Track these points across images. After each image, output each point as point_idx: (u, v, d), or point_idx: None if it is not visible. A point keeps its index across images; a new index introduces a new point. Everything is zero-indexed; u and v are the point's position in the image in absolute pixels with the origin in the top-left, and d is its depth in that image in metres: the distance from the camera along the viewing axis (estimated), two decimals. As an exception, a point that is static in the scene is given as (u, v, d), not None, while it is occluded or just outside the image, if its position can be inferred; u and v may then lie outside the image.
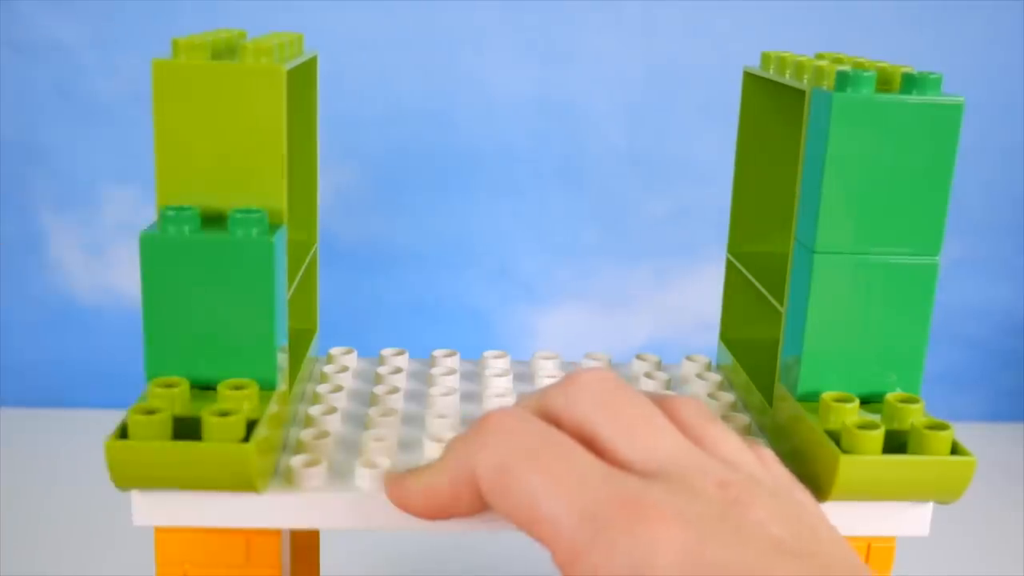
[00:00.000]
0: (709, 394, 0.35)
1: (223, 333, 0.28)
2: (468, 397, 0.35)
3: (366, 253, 0.67)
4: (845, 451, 0.27)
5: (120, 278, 0.66)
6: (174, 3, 0.62)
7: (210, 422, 0.26)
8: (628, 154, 0.66)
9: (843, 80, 0.28)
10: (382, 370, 0.36)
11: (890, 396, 0.29)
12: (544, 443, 0.23)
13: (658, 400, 0.25)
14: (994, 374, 0.71)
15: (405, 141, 0.65)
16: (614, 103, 0.65)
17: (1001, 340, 0.70)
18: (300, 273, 0.35)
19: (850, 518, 0.29)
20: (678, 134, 0.66)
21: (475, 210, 0.67)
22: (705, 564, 0.20)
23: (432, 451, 0.30)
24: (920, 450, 0.28)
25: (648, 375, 0.37)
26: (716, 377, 0.37)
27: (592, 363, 0.38)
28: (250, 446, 0.26)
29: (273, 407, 0.28)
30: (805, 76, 0.32)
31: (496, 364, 0.37)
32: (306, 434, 0.30)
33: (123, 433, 0.26)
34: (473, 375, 0.37)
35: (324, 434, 0.30)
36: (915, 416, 0.28)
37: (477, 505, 0.24)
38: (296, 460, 0.28)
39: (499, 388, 0.35)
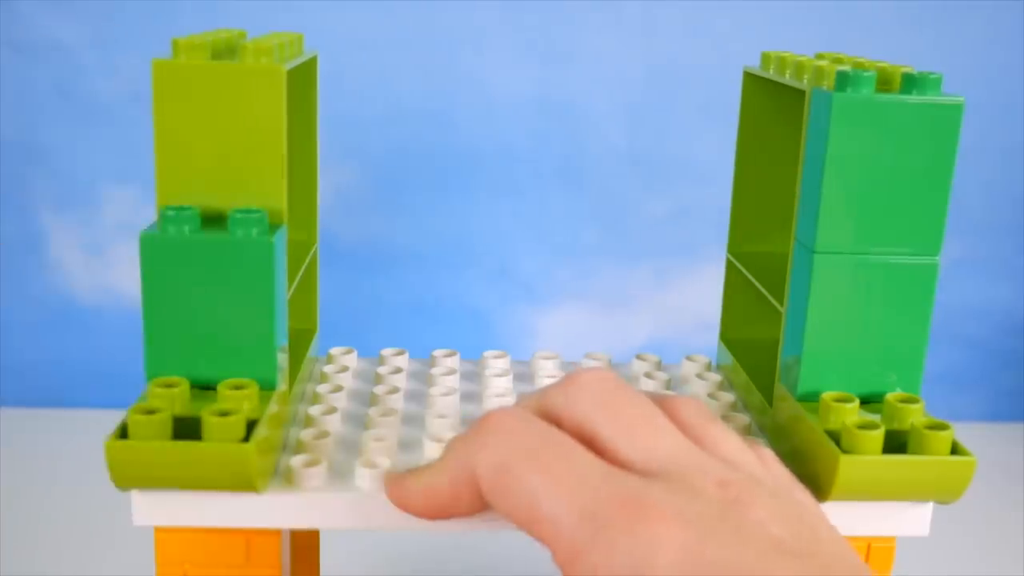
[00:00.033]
0: (709, 394, 0.35)
1: (223, 333, 0.28)
2: (468, 397, 0.35)
3: (366, 253, 0.67)
4: (845, 451, 0.27)
5: (120, 278, 0.66)
6: (174, 3, 0.62)
7: (210, 422, 0.26)
8: (628, 154, 0.66)
9: (843, 80, 0.28)
10: (382, 370, 0.36)
11: (890, 396, 0.29)
12: (544, 443, 0.23)
13: (658, 400, 0.25)
14: (994, 374, 0.71)
15: (405, 141, 0.65)
16: (614, 103, 0.65)
17: (1001, 340, 0.70)
18: (300, 273, 0.35)
19: (850, 518, 0.29)
20: (678, 134, 0.66)
21: (475, 210, 0.67)
22: (705, 564, 0.20)
23: (432, 451, 0.30)
24: (920, 450, 0.28)
25: (648, 375, 0.37)
26: (716, 377, 0.37)
27: (592, 363, 0.38)
28: (250, 446, 0.26)
29: (273, 407, 0.28)
30: (805, 76, 0.32)
31: (496, 364, 0.37)
32: (306, 434, 0.30)
33: (123, 433, 0.26)
34: (473, 375, 0.37)
35: (324, 434, 0.30)
36: (915, 416, 0.28)
37: (477, 505, 0.24)
38: (296, 460, 0.28)
39: (499, 388, 0.35)
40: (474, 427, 0.24)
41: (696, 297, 0.67)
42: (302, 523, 0.28)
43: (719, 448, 0.25)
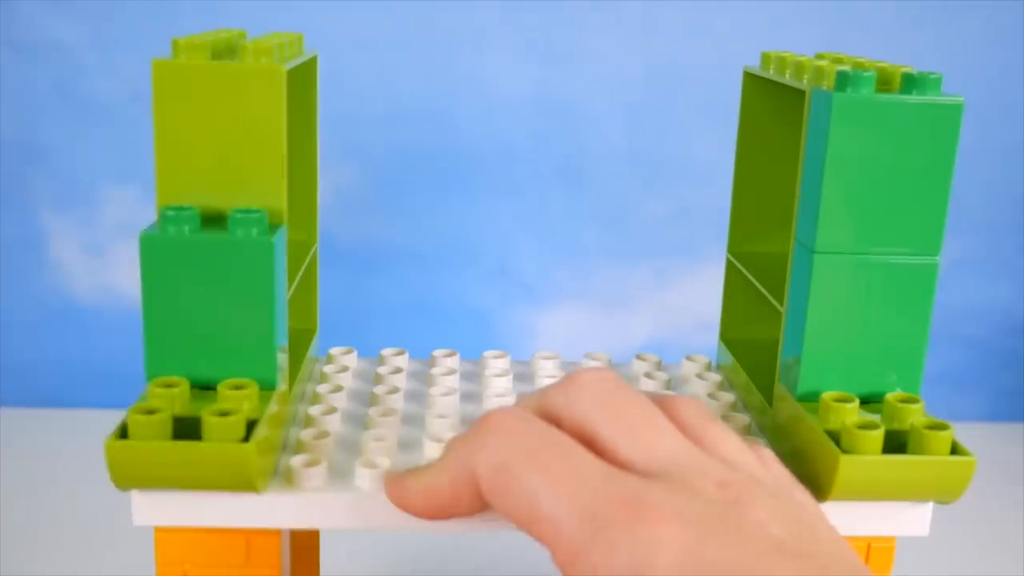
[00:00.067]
0: (709, 394, 0.35)
1: (223, 333, 0.28)
2: (468, 397, 0.35)
3: (366, 253, 0.67)
4: (845, 451, 0.27)
5: (120, 278, 0.66)
6: (174, 3, 0.62)
7: (210, 422, 0.26)
8: (628, 154, 0.66)
9: (843, 80, 0.28)
10: (382, 370, 0.36)
11: (890, 396, 0.29)
12: (544, 443, 0.23)
13: (658, 400, 0.25)
14: (994, 374, 0.71)
15: (405, 141, 0.65)
16: (614, 103, 0.65)
17: (1001, 340, 0.70)
18: (300, 273, 0.35)
19: (850, 518, 0.29)
20: (678, 134, 0.66)
21: (475, 210, 0.67)
22: (705, 564, 0.20)
23: (432, 451, 0.30)
24: (920, 450, 0.28)
25: (648, 375, 0.37)
26: (716, 377, 0.37)
27: (592, 363, 0.38)
28: (250, 446, 0.26)
29: (273, 407, 0.28)
30: (805, 76, 0.32)
31: (496, 364, 0.37)
32: (306, 434, 0.30)
33: (123, 433, 0.26)
34: (473, 375, 0.37)
35: (324, 434, 0.30)
36: (915, 416, 0.28)
37: (477, 505, 0.24)
38: (296, 460, 0.28)
39: (499, 388, 0.35)
40: (474, 427, 0.24)
41: (696, 297, 0.67)
42: (302, 523, 0.28)
43: (719, 448, 0.25)
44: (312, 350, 0.37)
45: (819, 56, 0.34)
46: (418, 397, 0.35)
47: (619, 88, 0.65)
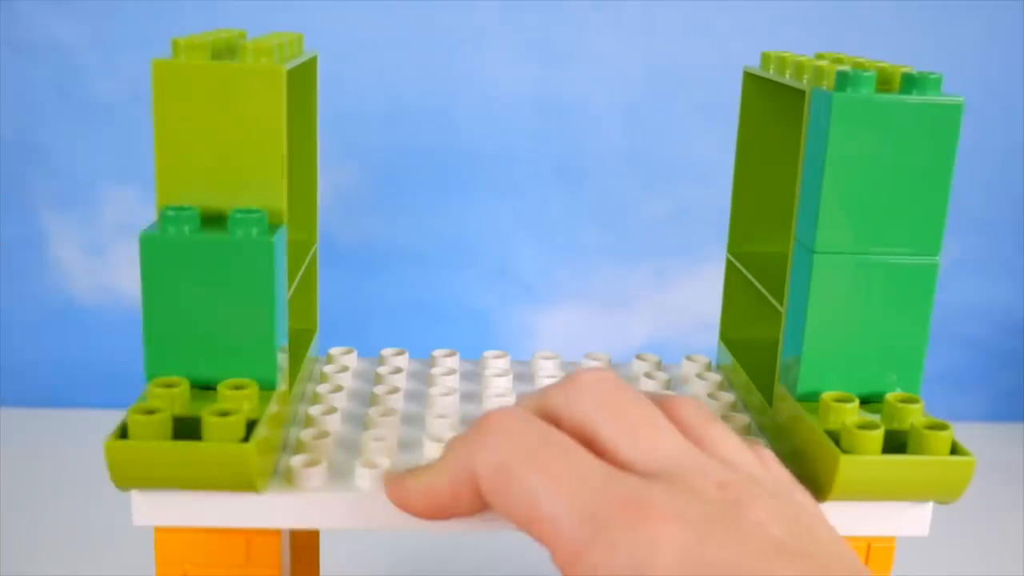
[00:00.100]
0: (709, 394, 0.35)
1: (223, 333, 0.28)
2: (468, 397, 0.35)
3: (366, 253, 0.67)
4: (845, 451, 0.27)
5: (120, 278, 0.66)
6: (174, 3, 0.62)
7: (210, 422, 0.26)
8: (628, 154, 0.66)
9: (843, 80, 0.28)
10: (382, 370, 0.36)
11: (890, 396, 0.29)
12: (544, 443, 0.23)
13: (658, 400, 0.26)
14: (994, 374, 0.71)
15: (405, 141, 0.65)
16: (614, 103, 0.65)
17: (1001, 340, 0.70)
18: (300, 273, 0.35)
19: (850, 518, 0.29)
20: (678, 134, 0.66)
21: (475, 210, 0.67)
22: (705, 564, 0.20)
23: (432, 451, 0.30)
24: (920, 450, 0.28)
25: (648, 375, 0.37)
26: (716, 377, 0.37)
27: (592, 363, 0.38)
28: (250, 446, 0.26)
29: (273, 407, 0.28)
30: (805, 76, 0.32)
31: (496, 364, 0.37)
32: (306, 434, 0.30)
33: (123, 433, 0.26)
34: (473, 375, 0.37)
35: (324, 434, 0.30)
36: (915, 416, 0.28)
37: (477, 505, 0.24)
38: (296, 460, 0.28)
39: (499, 388, 0.35)
40: (474, 427, 0.24)
41: (696, 297, 0.67)
42: (302, 523, 0.28)
43: (719, 449, 0.25)
44: (312, 350, 0.37)
45: (819, 56, 0.34)
46: (418, 397, 0.35)
47: (619, 88, 0.65)
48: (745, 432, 0.33)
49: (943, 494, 0.28)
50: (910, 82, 0.28)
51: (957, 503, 0.29)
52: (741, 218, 0.39)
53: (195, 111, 0.28)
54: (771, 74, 0.35)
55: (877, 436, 0.27)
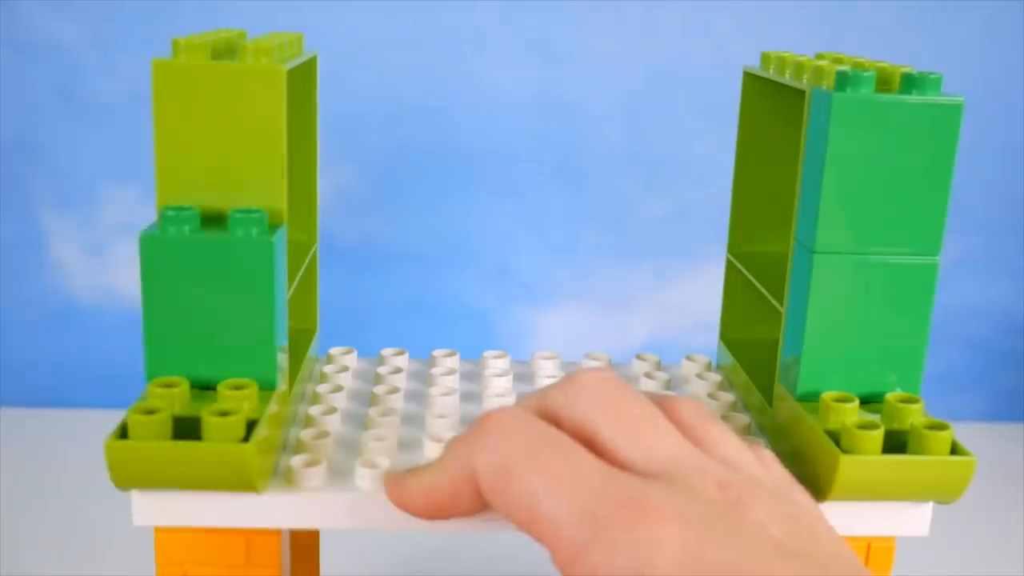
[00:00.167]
0: (709, 394, 0.35)
1: (223, 333, 0.28)
2: (468, 397, 0.35)
3: (366, 253, 0.67)
4: (845, 451, 0.27)
5: (120, 278, 0.66)
6: (174, 3, 0.62)
7: (210, 422, 0.26)
8: (628, 154, 0.66)
9: (843, 80, 0.28)
10: (382, 370, 0.36)
11: (890, 396, 0.29)
12: (544, 443, 0.23)
13: (658, 400, 0.26)
14: (994, 374, 0.71)
15: (405, 141, 0.65)
16: (614, 103, 0.65)
17: (1001, 340, 0.70)
18: (300, 273, 0.35)
19: (850, 518, 0.29)
20: (678, 134, 0.66)
21: (475, 210, 0.67)
22: (705, 564, 0.21)
23: (432, 451, 0.30)
24: (920, 450, 0.28)
25: (648, 375, 0.37)
26: (716, 377, 0.37)
27: (592, 363, 0.38)
28: (250, 446, 0.26)
29: (273, 407, 0.28)
30: (805, 76, 0.32)
31: (496, 364, 0.37)
32: (306, 434, 0.30)
33: (123, 433, 0.26)
34: (473, 375, 0.37)
35: (324, 434, 0.30)
36: (915, 416, 0.28)
37: (477, 505, 0.24)
38: (296, 460, 0.28)
39: (499, 388, 0.35)
40: (474, 427, 0.24)
41: (696, 297, 0.67)
42: (302, 523, 0.28)
43: (719, 449, 0.25)
44: (312, 350, 0.37)
45: (819, 56, 0.34)
46: (418, 397, 0.35)
47: (619, 88, 0.65)
48: (745, 432, 0.33)
49: (943, 494, 0.28)
50: (910, 82, 0.28)
51: (957, 503, 0.29)
52: (741, 218, 0.39)
53: (195, 111, 0.28)
54: (771, 74, 0.35)
55: (877, 436, 0.27)
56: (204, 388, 0.28)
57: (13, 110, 0.63)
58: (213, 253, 0.27)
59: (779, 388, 0.32)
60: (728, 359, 0.38)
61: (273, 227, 0.28)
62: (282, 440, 0.30)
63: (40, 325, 0.67)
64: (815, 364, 0.30)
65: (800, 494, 0.25)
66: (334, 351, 0.37)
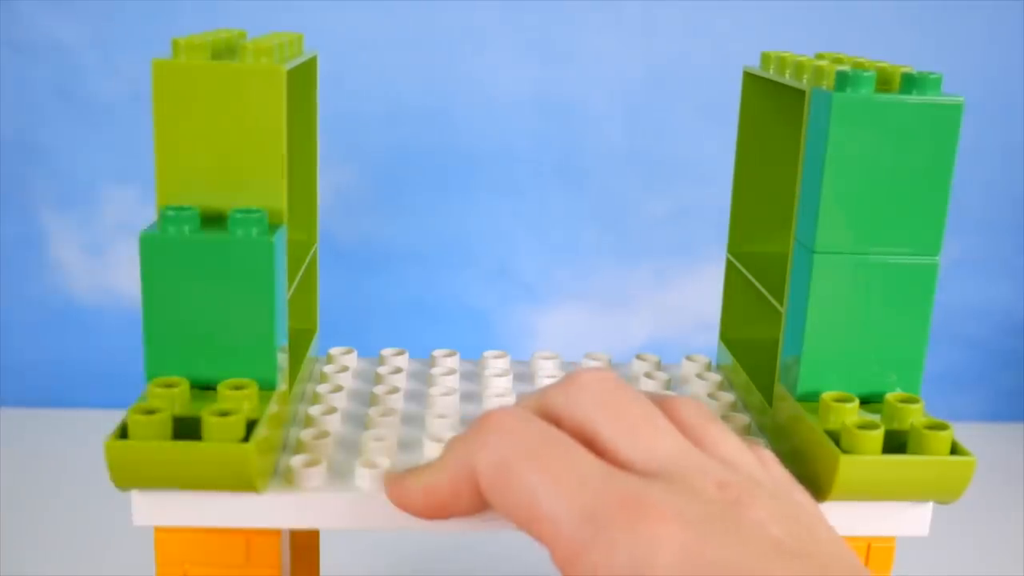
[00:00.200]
0: (709, 394, 0.35)
1: (223, 333, 0.28)
2: (468, 397, 0.35)
3: (366, 253, 0.67)
4: (845, 451, 0.27)
5: (120, 278, 0.66)
6: (174, 3, 0.62)
7: (210, 422, 0.26)
8: (628, 154, 0.66)
9: (843, 80, 0.28)
10: (382, 370, 0.36)
11: (890, 396, 0.29)
12: (544, 442, 0.23)
13: (658, 400, 0.26)
14: (994, 374, 0.71)
15: (405, 141, 0.65)
16: (614, 103, 0.65)
17: (1001, 340, 0.70)
18: (300, 273, 0.35)
19: (850, 518, 0.29)
20: (678, 134, 0.66)
21: (475, 210, 0.67)
22: (705, 564, 0.21)
23: (432, 451, 0.30)
24: (920, 450, 0.28)
25: (648, 375, 0.37)
26: (716, 377, 0.37)
27: (592, 363, 0.38)
28: (250, 446, 0.26)
29: (273, 407, 0.28)
30: (805, 76, 0.32)
31: (496, 364, 0.37)
32: (306, 434, 0.30)
33: (123, 433, 0.26)
34: (473, 375, 0.37)
35: (324, 434, 0.30)
36: (915, 416, 0.28)
37: (477, 504, 0.24)
38: (296, 460, 0.28)
39: (499, 388, 0.35)
40: (474, 426, 0.24)
41: (696, 297, 0.67)
42: (302, 523, 0.28)
43: (719, 449, 0.25)
44: (312, 350, 0.37)
45: (819, 56, 0.34)
46: (418, 397, 0.35)
47: (619, 88, 0.65)
48: (745, 432, 0.33)
49: (943, 494, 0.28)
50: (910, 82, 0.28)
51: (957, 503, 0.29)
52: (741, 218, 0.39)
53: (195, 111, 0.28)
54: (771, 74, 0.35)
55: (877, 436, 0.27)
56: (204, 388, 0.28)
57: (13, 110, 0.63)
58: (213, 253, 0.27)
59: (779, 388, 0.32)
60: (728, 359, 0.38)
61: (273, 227, 0.28)
62: (282, 440, 0.30)
63: (40, 325, 0.67)
64: (815, 364, 0.30)
65: (800, 494, 0.25)
66: (334, 351, 0.37)
